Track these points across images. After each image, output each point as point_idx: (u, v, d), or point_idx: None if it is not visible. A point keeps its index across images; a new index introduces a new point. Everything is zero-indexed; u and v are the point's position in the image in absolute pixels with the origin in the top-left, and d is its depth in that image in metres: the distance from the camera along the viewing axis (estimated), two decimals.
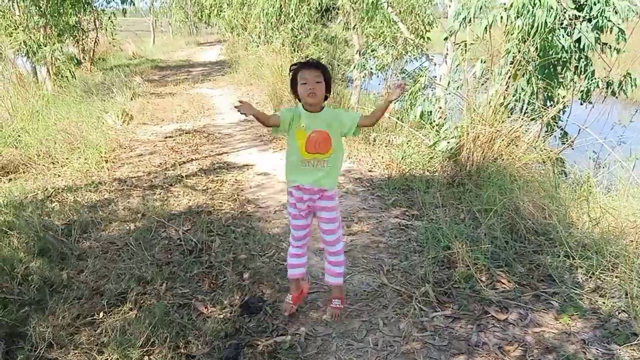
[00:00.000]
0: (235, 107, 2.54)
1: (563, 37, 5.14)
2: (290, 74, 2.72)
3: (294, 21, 12.56)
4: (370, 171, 5.81)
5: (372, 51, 8.94)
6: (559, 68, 5.43)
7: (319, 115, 2.71)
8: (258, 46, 14.02)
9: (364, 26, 9.91)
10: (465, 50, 6.08)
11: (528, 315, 2.93)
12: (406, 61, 10.33)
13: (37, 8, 11.42)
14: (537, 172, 4.98)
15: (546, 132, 5.56)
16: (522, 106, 5.42)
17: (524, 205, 4.06)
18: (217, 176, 5.71)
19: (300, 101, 2.71)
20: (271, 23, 13.21)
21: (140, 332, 2.75)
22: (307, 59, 2.80)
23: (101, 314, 2.99)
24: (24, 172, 5.85)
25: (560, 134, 5.76)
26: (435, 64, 7.74)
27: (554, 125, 5.63)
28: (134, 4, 18.23)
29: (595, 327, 2.80)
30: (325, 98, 2.73)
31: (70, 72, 11.78)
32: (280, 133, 2.75)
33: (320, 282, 3.33)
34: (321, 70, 2.66)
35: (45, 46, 11.06)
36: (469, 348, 2.67)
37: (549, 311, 2.97)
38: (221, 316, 2.98)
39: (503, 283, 3.26)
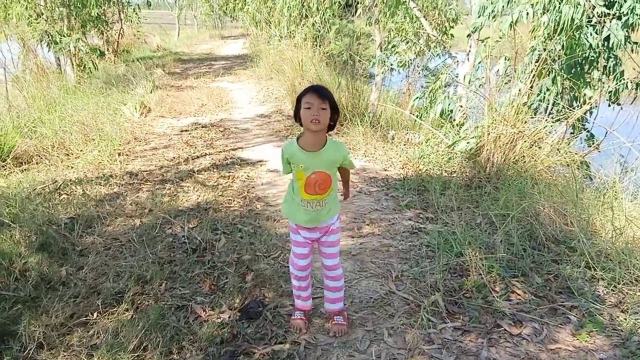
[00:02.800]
0: None
1: (591, 34, 4.91)
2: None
3: (316, 15, 12.41)
4: (385, 170, 5.64)
5: (392, 47, 8.73)
6: (586, 67, 5.19)
7: (319, 154, 2.48)
8: (280, 40, 13.88)
9: (386, 22, 9.69)
10: (489, 46, 5.86)
11: (543, 330, 2.75)
12: (429, 58, 10.08)
13: None
14: (560, 176, 4.77)
15: (571, 134, 5.35)
16: (547, 106, 5.22)
17: (544, 211, 3.87)
18: (229, 172, 5.60)
19: (302, 127, 2.47)
20: (293, 17, 13.07)
21: (134, 335, 2.65)
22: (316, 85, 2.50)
23: (95, 314, 2.90)
24: (37, 163, 5.81)
25: (586, 136, 5.52)
26: (458, 62, 7.51)
27: (580, 127, 5.40)
28: None
29: (616, 345, 2.62)
30: (331, 128, 2.50)
31: (92, 63, 11.80)
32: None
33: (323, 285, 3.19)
34: (328, 99, 2.40)
35: (68, 36, 11.08)
36: None
37: (566, 326, 2.79)
38: (219, 320, 2.86)
39: (518, 294, 3.08)
